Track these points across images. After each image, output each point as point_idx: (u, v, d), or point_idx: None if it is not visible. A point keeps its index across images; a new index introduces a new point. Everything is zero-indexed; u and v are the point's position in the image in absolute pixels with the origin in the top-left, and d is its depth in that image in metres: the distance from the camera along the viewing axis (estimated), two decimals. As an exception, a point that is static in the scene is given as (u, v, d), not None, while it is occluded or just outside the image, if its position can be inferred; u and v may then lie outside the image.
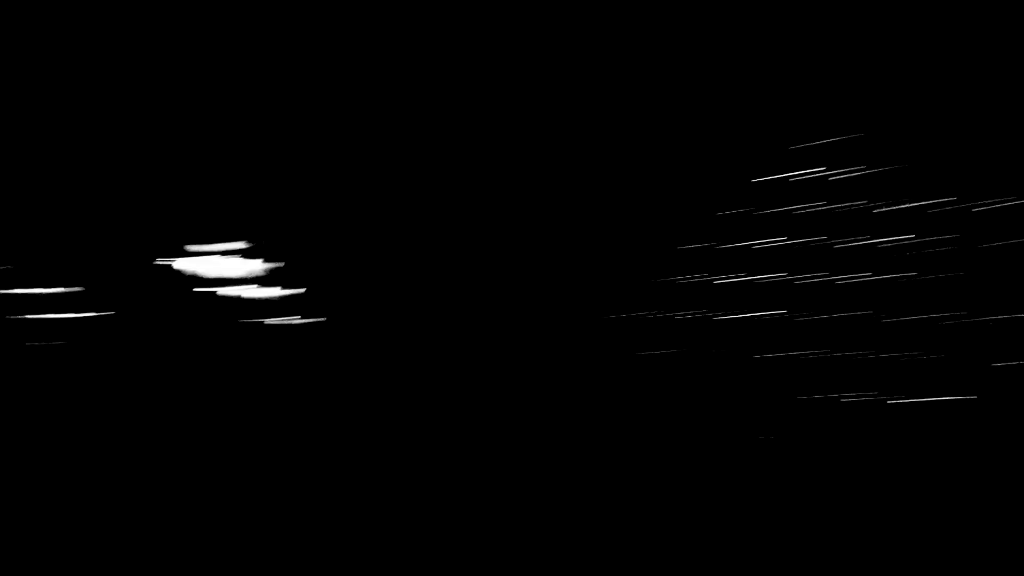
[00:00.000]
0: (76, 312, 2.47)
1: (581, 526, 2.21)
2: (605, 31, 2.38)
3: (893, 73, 2.26)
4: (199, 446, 2.37)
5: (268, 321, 2.43)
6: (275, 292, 2.45)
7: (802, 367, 2.24)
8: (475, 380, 2.35)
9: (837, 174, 2.29)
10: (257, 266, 2.47)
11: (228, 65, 2.48)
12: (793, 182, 2.31)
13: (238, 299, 2.45)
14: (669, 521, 2.19)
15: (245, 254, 2.46)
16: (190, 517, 2.32)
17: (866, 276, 2.22)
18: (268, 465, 2.35)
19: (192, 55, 2.48)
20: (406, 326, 2.40)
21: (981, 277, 2.16)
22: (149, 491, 2.35)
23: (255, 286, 2.46)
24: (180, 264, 2.47)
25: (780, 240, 2.29)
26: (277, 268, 2.46)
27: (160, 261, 2.47)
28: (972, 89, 2.22)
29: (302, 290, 2.44)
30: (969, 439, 2.10)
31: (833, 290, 2.26)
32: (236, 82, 2.48)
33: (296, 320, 2.43)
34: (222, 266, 2.47)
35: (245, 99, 2.48)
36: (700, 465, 2.24)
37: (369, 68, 2.45)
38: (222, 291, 2.46)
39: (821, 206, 2.28)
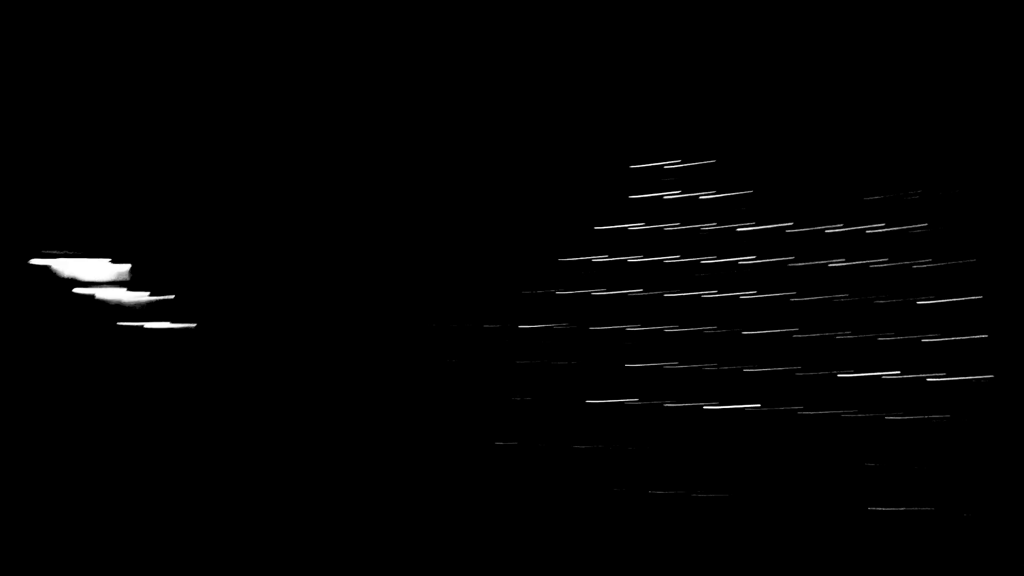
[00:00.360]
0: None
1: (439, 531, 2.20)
2: (482, 47, 2.51)
3: (745, 111, 2.49)
4: (66, 450, 2.25)
5: (133, 324, 2.35)
6: (143, 297, 2.38)
7: (668, 377, 2.35)
8: (345, 385, 2.34)
9: (693, 196, 2.48)
10: (124, 270, 2.39)
11: (100, 66, 2.45)
12: (666, 201, 2.48)
13: (105, 303, 2.36)
14: (527, 530, 2.21)
15: (113, 258, 2.39)
16: (55, 522, 2.18)
17: (712, 293, 2.39)
18: (138, 471, 2.25)
19: (56, 56, 2.43)
20: (277, 333, 2.37)
21: (815, 295, 2.37)
22: (15, 493, 2.19)
23: (123, 290, 2.38)
24: (47, 266, 2.37)
25: (648, 257, 2.43)
26: (147, 272, 2.39)
27: (28, 263, 2.36)
28: (810, 131, 2.48)
29: (171, 296, 2.38)
30: (818, 444, 2.25)
31: (697, 304, 2.40)
32: (113, 85, 2.45)
33: (165, 325, 2.36)
34: (89, 269, 2.39)
35: (120, 102, 2.44)
36: (568, 470, 2.28)
37: (230, 72, 2.48)
38: (88, 293, 2.37)
39: (677, 226, 2.45)
